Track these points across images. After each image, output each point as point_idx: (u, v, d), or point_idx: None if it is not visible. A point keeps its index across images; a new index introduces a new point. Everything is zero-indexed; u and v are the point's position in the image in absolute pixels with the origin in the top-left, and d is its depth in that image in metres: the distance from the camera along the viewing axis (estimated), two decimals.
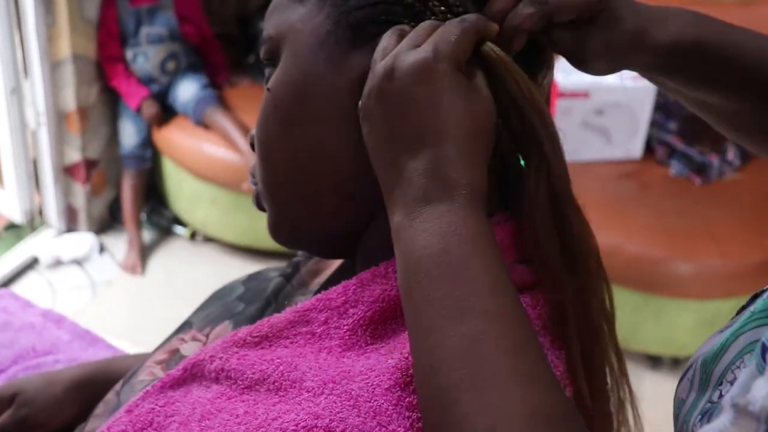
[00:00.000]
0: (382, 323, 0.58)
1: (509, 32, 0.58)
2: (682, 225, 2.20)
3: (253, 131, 0.66)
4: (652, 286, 2.18)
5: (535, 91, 0.58)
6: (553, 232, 0.59)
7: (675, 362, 2.28)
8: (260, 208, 0.68)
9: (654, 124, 2.42)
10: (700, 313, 2.20)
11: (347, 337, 0.58)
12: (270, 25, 0.64)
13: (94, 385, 0.88)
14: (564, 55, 0.63)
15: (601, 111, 2.30)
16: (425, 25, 0.57)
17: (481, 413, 0.46)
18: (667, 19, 0.63)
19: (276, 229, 0.67)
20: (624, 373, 0.66)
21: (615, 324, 0.66)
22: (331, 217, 0.64)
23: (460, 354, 0.48)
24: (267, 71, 0.65)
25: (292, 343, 0.59)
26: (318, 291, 0.67)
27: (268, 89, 0.63)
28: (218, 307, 0.78)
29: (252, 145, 0.66)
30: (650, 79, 0.68)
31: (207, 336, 0.73)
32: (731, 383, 0.54)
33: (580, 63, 0.63)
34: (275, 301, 0.75)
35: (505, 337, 0.48)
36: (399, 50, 0.55)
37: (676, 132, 2.41)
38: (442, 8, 0.59)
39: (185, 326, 0.77)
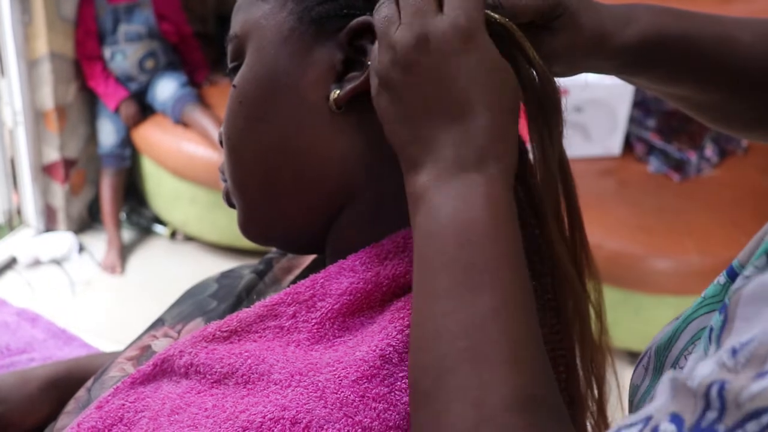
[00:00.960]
0: (350, 316, 0.58)
1: None
2: (660, 221, 2.22)
3: (222, 128, 0.65)
4: (631, 282, 2.19)
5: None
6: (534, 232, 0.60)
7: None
8: (230, 204, 0.68)
9: (633, 120, 2.43)
10: (678, 308, 2.20)
11: (315, 330, 0.58)
12: (235, 24, 0.64)
13: (69, 383, 0.88)
14: None
15: (580, 108, 2.31)
16: None
17: (474, 387, 0.46)
18: (629, 20, 0.62)
19: (246, 226, 0.67)
20: (599, 364, 0.66)
21: (590, 317, 0.66)
22: (300, 212, 0.63)
23: (468, 325, 0.48)
24: (234, 72, 0.65)
25: (260, 337, 0.59)
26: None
27: (233, 86, 0.63)
28: (191, 305, 0.77)
29: (221, 141, 0.66)
30: (617, 77, 0.68)
31: (179, 332, 0.73)
32: (683, 369, 0.54)
33: None
34: (247, 297, 0.75)
35: (515, 321, 0.48)
36: (419, 16, 0.53)
37: (654, 129, 2.43)
38: None
39: (157, 323, 0.77)
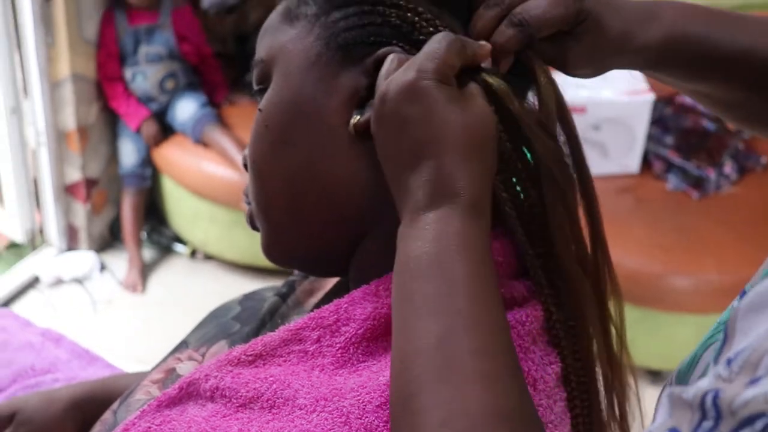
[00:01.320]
0: (374, 341, 0.59)
1: (493, 55, 0.59)
2: (679, 239, 2.21)
3: (246, 151, 0.67)
4: (651, 300, 2.18)
5: (539, 117, 0.60)
6: (552, 248, 0.61)
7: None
8: (253, 227, 0.69)
9: (651, 138, 2.43)
10: (699, 327, 2.20)
11: (339, 355, 0.59)
12: (261, 48, 0.66)
13: (94, 404, 0.89)
14: (548, 64, 0.64)
15: (598, 126, 2.32)
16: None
17: (437, 406, 0.47)
18: (652, 19, 0.63)
19: (269, 249, 0.68)
20: (621, 385, 0.67)
21: (612, 337, 0.67)
22: (324, 236, 0.65)
23: (428, 348, 0.49)
24: (259, 99, 0.66)
25: (285, 361, 0.60)
26: (312, 310, 0.68)
27: (259, 110, 0.65)
28: (214, 327, 0.78)
29: (245, 165, 0.67)
30: (641, 72, 0.69)
31: (203, 355, 0.74)
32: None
33: (564, 69, 0.64)
34: (270, 320, 0.76)
35: (476, 339, 0.50)
36: (393, 75, 0.57)
37: (672, 146, 2.42)
38: (430, 29, 0.60)
39: (182, 346, 0.78)
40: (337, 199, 0.62)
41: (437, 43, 0.57)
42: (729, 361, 0.37)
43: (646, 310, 2.20)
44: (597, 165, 2.40)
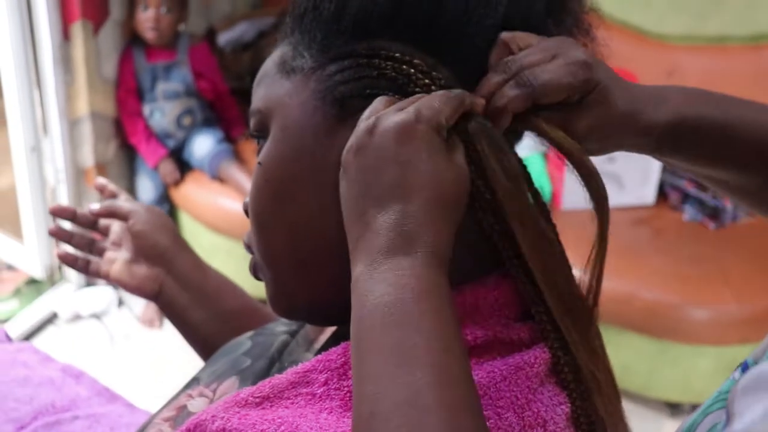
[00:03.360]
0: None
1: (493, 112, 0.59)
2: (696, 270, 2.20)
3: (247, 199, 0.67)
4: (668, 332, 2.17)
5: (518, 175, 0.59)
6: (551, 291, 0.61)
7: (694, 409, 2.26)
8: (257, 278, 0.69)
9: (666, 169, 2.43)
10: (718, 358, 2.19)
11: (348, 398, 0.58)
12: (258, 98, 0.66)
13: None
14: None
15: (613, 158, 2.32)
16: (414, 97, 0.59)
17: None
18: (663, 100, 0.63)
19: (275, 301, 0.68)
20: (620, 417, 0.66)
21: (611, 369, 0.67)
22: (330, 288, 0.64)
23: (401, 402, 0.49)
24: (258, 143, 0.66)
25: (293, 403, 0.59)
26: (320, 350, 0.68)
27: (259, 163, 0.65)
28: (225, 363, 0.78)
29: (246, 211, 0.67)
30: (653, 157, 0.68)
31: (214, 392, 0.74)
32: None
33: None
34: (279, 359, 0.76)
35: (448, 392, 0.49)
36: (384, 112, 0.57)
37: (688, 177, 2.43)
38: (426, 81, 0.60)
39: (193, 382, 0.78)
40: (341, 251, 0.61)
41: (439, 95, 0.57)
42: None
43: (665, 341, 2.18)
44: (613, 196, 2.38)
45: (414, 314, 0.52)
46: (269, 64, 0.66)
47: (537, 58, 0.59)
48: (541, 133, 0.62)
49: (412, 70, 0.60)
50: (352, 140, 0.57)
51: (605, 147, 0.64)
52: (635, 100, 0.62)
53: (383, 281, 0.53)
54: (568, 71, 0.59)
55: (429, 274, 0.53)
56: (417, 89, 0.60)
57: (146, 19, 2.54)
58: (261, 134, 0.66)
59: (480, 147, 0.58)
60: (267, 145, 0.64)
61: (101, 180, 1.06)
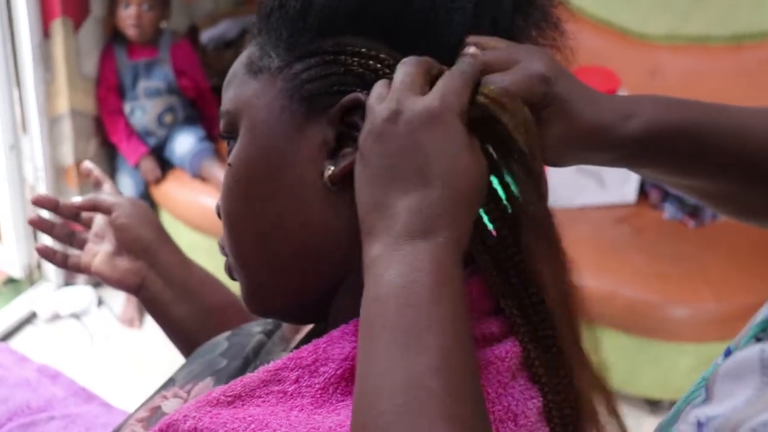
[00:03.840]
0: (353, 381, 0.59)
1: None
2: (676, 269, 2.21)
3: (219, 202, 0.66)
4: (649, 330, 2.18)
5: (536, 134, 0.58)
6: (523, 283, 0.61)
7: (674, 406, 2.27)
8: (232, 278, 0.68)
9: None
10: (697, 356, 2.20)
11: (319, 396, 0.58)
12: (227, 99, 0.65)
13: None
14: None
15: None
16: (414, 65, 0.57)
17: None
18: (632, 113, 0.62)
19: (249, 302, 0.68)
20: (613, 413, 0.66)
21: (590, 363, 0.66)
22: (303, 287, 0.64)
23: (407, 382, 0.49)
24: (228, 144, 0.66)
25: (264, 402, 0.59)
26: (296, 348, 0.68)
27: (229, 164, 0.64)
28: (201, 364, 0.78)
29: (218, 213, 0.67)
30: (617, 167, 0.67)
31: (189, 393, 0.74)
32: None
33: None
34: (255, 359, 0.75)
35: (453, 380, 0.49)
36: (401, 94, 0.56)
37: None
38: (393, 75, 0.59)
39: (168, 383, 0.78)
40: (314, 249, 0.61)
41: (458, 77, 0.57)
42: (700, 425, 0.37)
43: (645, 339, 2.19)
44: (594, 195, 2.41)
45: (429, 298, 0.51)
46: (237, 65, 0.66)
47: (497, 60, 0.59)
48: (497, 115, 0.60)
49: (379, 66, 0.59)
50: (370, 126, 0.56)
51: (565, 160, 0.64)
52: (602, 115, 0.61)
53: (402, 262, 0.53)
54: (524, 84, 0.58)
55: (447, 261, 0.53)
56: None
57: (128, 17, 2.52)
58: (231, 135, 0.65)
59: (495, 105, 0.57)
60: (236, 146, 0.64)
61: (88, 164, 1.05)
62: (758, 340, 0.45)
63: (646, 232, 2.34)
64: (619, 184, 2.41)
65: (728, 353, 0.54)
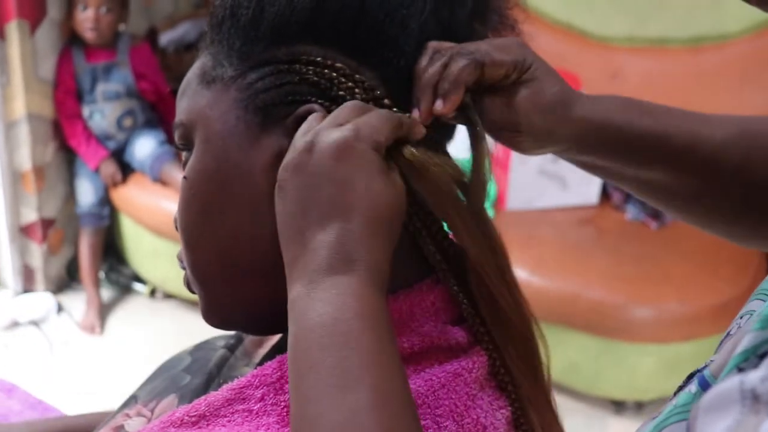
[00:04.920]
0: None
1: (449, 88, 0.59)
2: (639, 269, 2.22)
3: (177, 216, 0.65)
4: (613, 331, 2.19)
5: (453, 190, 0.59)
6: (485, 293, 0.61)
7: (639, 406, 2.29)
8: (191, 291, 0.67)
9: None
10: (661, 356, 2.21)
11: (285, 414, 0.57)
12: (181, 110, 0.64)
13: None
14: (493, 131, 0.64)
15: (557, 158, 2.33)
16: (348, 105, 0.57)
17: None
18: (597, 100, 0.65)
19: (208, 315, 0.66)
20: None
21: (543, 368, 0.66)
22: (262, 300, 0.63)
23: (341, 423, 0.48)
24: (183, 156, 0.65)
25: (229, 421, 0.58)
26: (260, 363, 0.66)
27: (184, 177, 0.63)
28: (164, 380, 0.76)
29: (176, 226, 0.66)
30: (584, 166, 0.70)
31: (152, 411, 0.72)
32: None
33: (511, 134, 0.64)
34: (218, 375, 0.74)
35: (386, 414, 0.48)
36: (321, 127, 0.55)
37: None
38: (349, 84, 0.58)
39: (131, 400, 0.76)
40: (271, 261, 0.60)
41: (378, 113, 0.56)
42: None
43: (609, 340, 2.21)
44: (557, 197, 2.42)
45: (353, 334, 0.50)
46: (191, 75, 0.64)
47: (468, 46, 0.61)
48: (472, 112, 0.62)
49: (335, 74, 0.58)
50: (289, 157, 0.55)
51: (539, 137, 0.65)
52: (568, 90, 0.64)
53: (322, 300, 0.52)
54: (503, 49, 0.61)
55: (368, 294, 0.52)
56: (340, 93, 0.58)
57: (85, 19, 2.49)
58: (186, 147, 0.64)
59: (414, 169, 0.58)
60: (192, 158, 0.62)
61: None
62: (740, 370, 0.44)
63: (608, 233, 2.36)
64: (582, 186, 2.42)
65: (703, 381, 0.53)
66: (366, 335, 0.51)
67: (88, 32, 2.50)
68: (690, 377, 0.61)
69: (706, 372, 0.52)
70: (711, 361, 0.54)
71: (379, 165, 0.55)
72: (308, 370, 0.50)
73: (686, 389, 0.55)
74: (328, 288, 0.52)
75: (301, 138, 0.56)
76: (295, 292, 0.54)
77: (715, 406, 0.42)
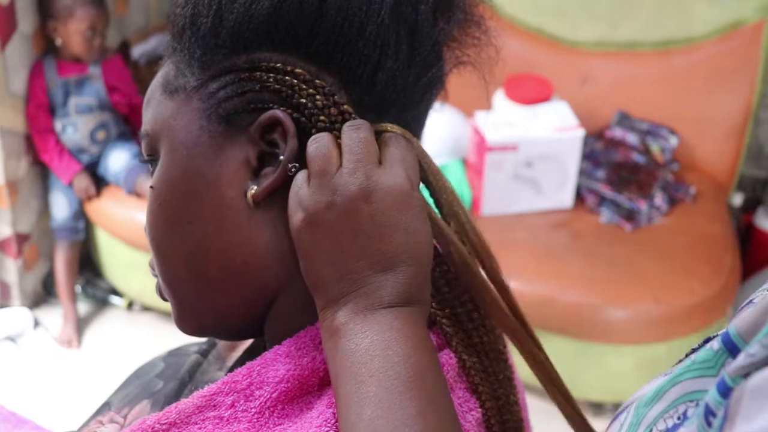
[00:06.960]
0: (289, 403, 0.58)
1: None
2: (614, 272, 2.24)
3: (145, 226, 0.65)
4: (589, 333, 2.21)
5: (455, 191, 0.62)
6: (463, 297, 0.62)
7: (617, 408, 2.30)
8: (164, 299, 0.67)
9: (583, 173, 2.47)
10: (637, 357, 2.23)
11: (255, 420, 0.57)
12: (146, 121, 0.64)
13: None
14: None
15: (531, 163, 2.35)
16: (367, 132, 0.58)
17: None
18: None
19: (181, 323, 0.67)
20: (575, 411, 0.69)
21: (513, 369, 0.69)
22: (233, 307, 0.63)
23: (398, 425, 0.51)
24: (150, 166, 0.65)
25: (200, 428, 0.58)
26: (233, 367, 0.67)
27: (151, 187, 0.63)
28: (137, 387, 0.76)
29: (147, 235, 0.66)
30: None
31: (125, 417, 0.72)
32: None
33: None
34: (191, 380, 0.74)
35: (440, 422, 0.52)
36: (366, 168, 0.56)
37: (604, 180, 2.47)
38: (310, 90, 0.58)
39: (104, 407, 0.76)
40: (241, 269, 0.60)
41: (411, 154, 0.59)
42: None
43: (585, 342, 2.22)
44: (531, 201, 2.43)
45: (410, 353, 0.54)
46: (154, 85, 0.64)
47: None
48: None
49: (295, 81, 0.58)
50: (332, 198, 0.56)
51: None
52: None
53: (380, 323, 0.55)
54: None
55: (421, 324, 0.56)
56: (302, 100, 0.58)
57: (82, 39, 2.51)
58: (152, 157, 0.64)
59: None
60: (158, 169, 0.62)
61: None
62: None
63: (583, 236, 2.37)
64: (556, 190, 2.43)
65: (727, 339, 0.52)
66: (421, 356, 0.55)
67: (78, 47, 2.52)
68: (705, 342, 0.60)
69: (731, 330, 0.51)
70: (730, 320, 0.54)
71: (426, 211, 0.58)
72: (369, 377, 0.53)
73: (707, 346, 0.54)
74: (383, 317, 0.55)
75: (348, 177, 0.56)
76: (339, 318, 0.56)
77: (766, 391, 0.42)
